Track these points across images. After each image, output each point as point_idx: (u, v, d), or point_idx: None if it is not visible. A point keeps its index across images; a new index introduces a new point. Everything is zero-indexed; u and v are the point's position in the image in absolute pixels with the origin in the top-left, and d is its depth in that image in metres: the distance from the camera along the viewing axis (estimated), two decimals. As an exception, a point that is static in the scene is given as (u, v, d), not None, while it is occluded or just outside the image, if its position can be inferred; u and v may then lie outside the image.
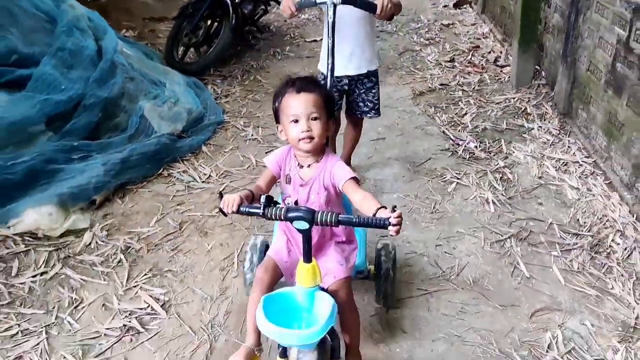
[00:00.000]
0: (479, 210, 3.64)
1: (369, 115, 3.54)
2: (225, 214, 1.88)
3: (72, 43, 3.95)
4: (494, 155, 4.29)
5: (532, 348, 2.63)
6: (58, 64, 3.79)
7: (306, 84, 2.09)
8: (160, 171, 4.03)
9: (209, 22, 5.90)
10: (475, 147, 4.39)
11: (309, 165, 2.15)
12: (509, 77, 5.59)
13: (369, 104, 3.50)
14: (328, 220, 1.78)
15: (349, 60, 3.26)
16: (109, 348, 2.67)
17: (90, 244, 3.34)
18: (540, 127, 4.66)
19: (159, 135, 4.00)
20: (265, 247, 2.66)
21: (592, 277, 3.06)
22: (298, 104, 2.05)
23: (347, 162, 3.84)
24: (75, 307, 2.91)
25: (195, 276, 3.10)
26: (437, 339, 2.69)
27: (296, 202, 2.15)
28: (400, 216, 1.75)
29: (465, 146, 4.40)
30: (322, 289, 2.02)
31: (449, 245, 3.33)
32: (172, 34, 5.70)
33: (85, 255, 3.25)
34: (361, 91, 3.45)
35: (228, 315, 2.85)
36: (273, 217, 1.83)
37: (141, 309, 2.88)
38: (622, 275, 3.07)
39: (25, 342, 2.69)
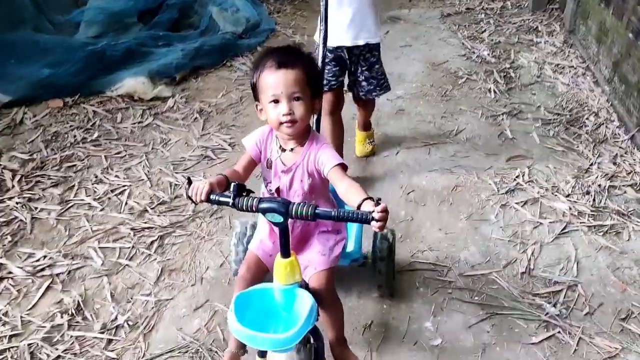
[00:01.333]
0: (481, 96, 4.49)
1: (374, 94, 3.18)
2: (194, 202, 1.71)
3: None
4: (502, 61, 5.09)
5: (503, 177, 3.51)
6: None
7: (287, 56, 1.82)
8: (224, 62, 5.00)
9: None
10: (488, 54, 5.19)
11: (292, 149, 1.93)
12: (528, 3, 6.30)
13: (373, 82, 3.13)
14: (304, 214, 1.60)
15: (346, 29, 2.87)
16: (191, 167, 3.68)
17: (173, 106, 4.35)
18: (547, 41, 5.41)
19: (224, 33, 4.95)
20: (253, 229, 2.44)
21: (563, 140, 3.90)
22: (278, 82, 1.78)
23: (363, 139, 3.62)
24: (165, 143, 3.92)
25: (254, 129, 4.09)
26: (432, 170, 3.61)
27: (278, 190, 1.97)
28: (385, 210, 1.55)
29: (479, 54, 5.21)
30: (304, 283, 1.87)
31: (452, 117, 4.21)
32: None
33: (169, 114, 4.26)
34: (363, 68, 3.08)
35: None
36: (244, 208, 1.64)
37: (213, 146, 3.88)
38: (587, 139, 3.89)
39: (131, 160, 3.72)
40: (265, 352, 1.84)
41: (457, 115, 4.22)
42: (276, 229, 1.75)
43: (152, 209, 3.26)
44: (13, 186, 3.41)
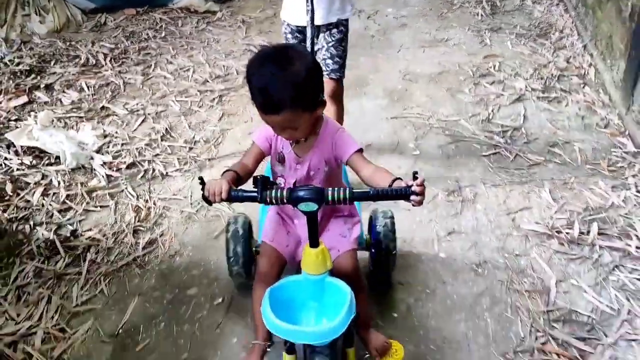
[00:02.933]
0: (470, 18, 5.53)
1: (333, 75, 2.81)
2: (210, 203, 1.60)
3: None
4: (491, -5, 6.11)
5: (478, 67, 4.58)
6: None
7: (272, 99, 1.62)
8: None
9: None
10: (480, -10, 6.21)
11: (305, 139, 1.83)
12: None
13: (337, 60, 2.79)
14: (341, 198, 1.54)
15: (325, 9, 2.63)
16: (240, 56, 4.78)
17: (221, 17, 5.45)
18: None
19: None
20: (249, 227, 2.35)
21: (530, 47, 4.95)
22: (270, 121, 1.70)
23: None
24: (217, 41, 5.02)
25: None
26: (424, 62, 4.68)
27: (294, 184, 1.87)
28: (423, 184, 1.49)
29: (472, -11, 6.23)
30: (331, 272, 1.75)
31: (444, 30, 5.26)
32: None
33: (219, 22, 5.37)
34: (329, 44, 2.76)
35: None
36: (274, 201, 1.56)
37: (255, 44, 4.99)
38: (550, 47, 4.94)
39: (192, 51, 4.83)
40: (294, 348, 1.76)
41: (449, 29, 5.28)
42: (297, 217, 1.84)
43: (211, 80, 4.38)
44: (106, 63, 4.55)
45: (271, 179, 1.83)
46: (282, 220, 2.05)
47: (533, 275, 2.61)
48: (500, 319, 2.42)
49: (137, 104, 4.04)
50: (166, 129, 3.78)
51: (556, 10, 5.59)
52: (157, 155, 3.53)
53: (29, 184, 3.21)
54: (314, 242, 1.65)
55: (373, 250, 2.34)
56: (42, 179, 3.27)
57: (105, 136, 3.64)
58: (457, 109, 4.00)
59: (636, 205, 3.00)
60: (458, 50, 4.84)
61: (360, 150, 1.80)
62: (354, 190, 1.55)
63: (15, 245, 2.78)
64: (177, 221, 3.00)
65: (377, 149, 3.57)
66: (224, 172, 1.72)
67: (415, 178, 1.49)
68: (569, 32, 5.13)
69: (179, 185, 3.26)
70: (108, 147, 3.58)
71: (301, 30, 2.68)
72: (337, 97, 2.92)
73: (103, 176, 3.28)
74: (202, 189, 1.59)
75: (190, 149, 3.61)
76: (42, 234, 2.86)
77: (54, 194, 3.18)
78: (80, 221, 3.01)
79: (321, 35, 2.74)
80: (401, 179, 1.59)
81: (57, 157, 3.35)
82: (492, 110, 3.98)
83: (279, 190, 1.56)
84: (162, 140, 3.67)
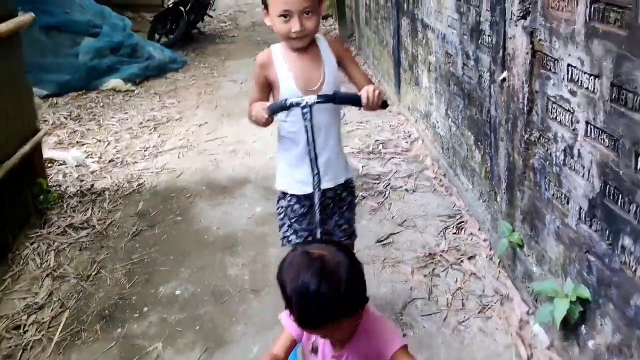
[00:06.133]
0: None
1: (348, 241, 2.63)
2: None
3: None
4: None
5: None
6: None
7: (312, 321, 1.54)
8: (160, 75, 8.61)
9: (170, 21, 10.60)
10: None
11: None
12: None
13: (352, 223, 2.64)
14: None
15: (324, 171, 2.35)
16: (159, 109, 7.18)
17: (139, 93, 7.86)
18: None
19: (156, 59, 8.60)
20: None
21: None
22: (308, 331, 1.65)
23: None
24: (140, 105, 7.41)
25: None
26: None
27: None
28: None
29: None
30: None
31: None
32: (151, 28, 10.38)
33: (137, 96, 7.77)
34: (342, 209, 2.57)
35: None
36: None
37: (166, 104, 7.43)
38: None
39: (127, 111, 7.18)
40: None
41: None
42: None
43: (144, 122, 6.71)
44: (68, 121, 6.76)
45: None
46: None
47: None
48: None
49: (100, 138, 6.25)
50: (125, 146, 6.01)
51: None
52: (124, 155, 5.74)
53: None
54: None
55: None
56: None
57: (87, 153, 5.80)
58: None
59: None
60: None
61: (405, 347, 1.63)
62: None
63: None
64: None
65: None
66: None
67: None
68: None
69: (143, 165, 5.48)
70: (90, 156, 5.74)
71: (308, 197, 2.41)
72: None
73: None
74: None
75: (146, 149, 5.85)
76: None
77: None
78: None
79: (329, 201, 2.49)
80: None
81: (64, 162, 5.46)
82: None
83: None
84: (125, 148, 5.90)
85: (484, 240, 3.69)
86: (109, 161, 5.52)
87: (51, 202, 4.52)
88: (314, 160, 2.23)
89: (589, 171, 2.31)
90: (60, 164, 5.37)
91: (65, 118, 6.78)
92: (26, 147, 4.24)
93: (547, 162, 2.70)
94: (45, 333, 3.17)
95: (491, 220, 3.57)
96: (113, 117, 6.83)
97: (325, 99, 2.22)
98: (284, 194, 2.51)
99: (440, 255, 3.59)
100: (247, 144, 5.72)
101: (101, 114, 7.02)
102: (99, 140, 6.10)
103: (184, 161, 5.42)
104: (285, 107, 2.23)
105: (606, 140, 2.17)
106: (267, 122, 2.27)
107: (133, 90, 7.88)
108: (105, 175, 5.20)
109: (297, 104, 2.19)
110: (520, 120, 2.93)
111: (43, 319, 3.29)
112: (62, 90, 7.42)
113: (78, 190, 4.89)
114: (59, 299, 3.45)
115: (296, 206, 2.49)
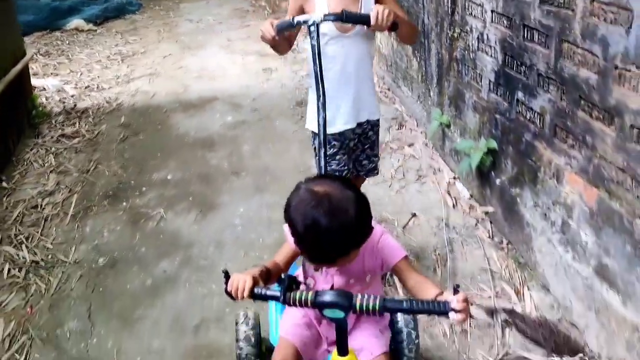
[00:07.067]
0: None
1: (371, 175, 2.80)
2: (233, 299, 1.48)
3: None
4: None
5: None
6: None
7: (324, 258, 1.55)
8: (119, 16, 9.02)
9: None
10: None
11: None
12: None
13: (374, 159, 2.73)
14: (370, 308, 1.37)
15: (349, 111, 2.46)
16: (123, 44, 7.67)
17: (101, 33, 8.27)
18: None
19: (114, 1, 8.99)
20: (258, 325, 2.06)
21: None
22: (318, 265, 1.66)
23: None
24: (105, 42, 7.86)
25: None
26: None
27: (332, 288, 1.70)
28: (466, 300, 1.33)
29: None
30: None
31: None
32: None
33: (100, 35, 8.20)
34: (366, 146, 2.67)
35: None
36: (297, 303, 1.42)
37: (128, 40, 7.91)
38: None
39: (93, 47, 7.64)
40: None
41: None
42: (319, 322, 1.73)
43: (112, 55, 7.21)
44: (43, 57, 7.18)
45: (301, 276, 1.78)
46: (302, 315, 1.84)
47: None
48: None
49: (73, 69, 6.72)
50: (98, 75, 6.52)
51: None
52: (99, 82, 6.28)
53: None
54: (343, 350, 1.51)
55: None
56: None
57: (64, 81, 6.30)
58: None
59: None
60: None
61: (407, 257, 1.68)
62: (387, 300, 1.37)
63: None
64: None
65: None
66: (255, 267, 1.61)
67: (456, 292, 1.34)
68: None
69: (118, 90, 6.03)
70: (67, 84, 6.25)
71: (337, 138, 2.50)
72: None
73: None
74: (226, 283, 1.48)
75: (118, 77, 6.40)
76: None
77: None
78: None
79: (355, 137, 2.59)
80: (443, 292, 1.46)
81: (44, 88, 5.95)
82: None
83: (304, 293, 1.41)
84: (98, 77, 6.42)
85: (421, 132, 4.50)
86: (86, 87, 6.04)
87: (41, 118, 5.06)
88: (319, 81, 2.18)
89: (495, 49, 3.10)
90: (41, 90, 5.84)
91: (35, 54, 7.15)
92: (18, 66, 4.75)
93: (466, 52, 3.49)
94: (61, 209, 3.79)
95: (426, 117, 4.37)
96: (81, 53, 7.28)
97: (333, 17, 2.17)
98: (314, 133, 2.50)
99: (386, 144, 4.37)
100: (210, 70, 6.33)
101: (69, 50, 7.44)
102: (72, 71, 6.58)
103: (155, 86, 6.00)
104: (292, 25, 2.22)
105: (505, 21, 2.96)
106: (273, 40, 2.27)
107: (95, 30, 8.29)
108: (84, 98, 5.73)
109: (305, 22, 2.18)
110: (446, 20, 3.71)
111: (56, 200, 3.90)
112: (27, 29, 7.73)
113: (62, 110, 5.43)
114: (66, 187, 4.07)
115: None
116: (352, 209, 1.47)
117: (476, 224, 3.35)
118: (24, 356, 2.63)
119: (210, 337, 2.64)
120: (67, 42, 7.78)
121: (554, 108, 2.59)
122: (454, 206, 3.57)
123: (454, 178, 3.84)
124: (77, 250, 3.34)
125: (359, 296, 1.38)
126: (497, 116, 3.18)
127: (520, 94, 2.89)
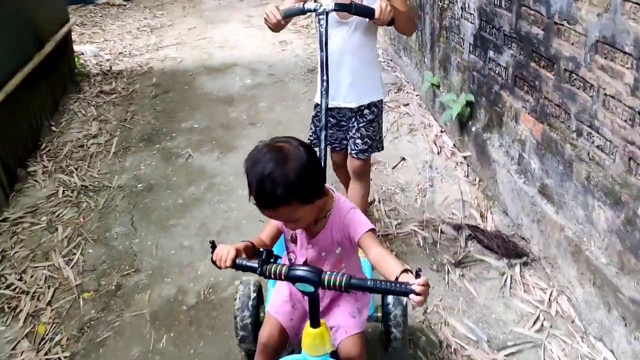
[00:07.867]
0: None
1: (360, 156, 2.74)
2: (219, 267, 1.62)
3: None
4: None
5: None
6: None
7: (266, 200, 1.58)
8: None
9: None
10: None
11: (315, 222, 1.77)
12: None
13: (367, 141, 2.72)
14: (337, 284, 1.46)
15: (348, 90, 2.61)
16: (152, 18, 8.33)
17: (130, 7, 8.93)
18: None
19: None
20: (259, 291, 2.26)
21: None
22: (267, 215, 1.66)
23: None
24: (134, 15, 8.52)
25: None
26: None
27: (305, 262, 1.81)
28: (426, 284, 1.41)
29: None
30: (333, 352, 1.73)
31: None
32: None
33: (129, 9, 8.86)
34: (360, 125, 2.69)
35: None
36: (272, 275, 1.53)
37: (155, 13, 8.57)
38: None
39: (124, 20, 8.31)
40: None
41: None
42: (303, 297, 1.77)
43: (142, 27, 7.87)
44: (87, 25, 7.86)
45: (285, 251, 1.89)
46: (289, 293, 1.95)
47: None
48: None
49: (106, 38, 7.39)
50: (129, 44, 7.18)
51: None
52: (131, 49, 6.94)
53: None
54: (315, 322, 1.62)
55: (388, 333, 2.23)
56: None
57: (99, 48, 6.98)
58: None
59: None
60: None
61: (372, 231, 1.71)
62: (352, 279, 1.46)
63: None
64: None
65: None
66: (242, 242, 1.70)
67: (418, 276, 1.41)
68: None
69: (149, 56, 6.69)
70: (102, 50, 6.92)
71: (333, 116, 2.69)
72: (361, 174, 2.84)
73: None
74: (212, 252, 1.63)
75: (148, 45, 7.06)
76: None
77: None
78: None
79: (352, 115, 2.69)
80: (410, 271, 1.50)
81: (82, 53, 6.63)
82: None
83: (279, 266, 1.52)
84: (129, 45, 7.09)
85: (417, 95, 5.11)
86: (119, 53, 6.70)
87: (82, 77, 5.74)
88: (324, 66, 2.26)
89: (474, 16, 3.70)
90: (80, 54, 6.52)
91: (78, 26, 7.84)
92: (64, 29, 5.43)
93: (452, 20, 4.09)
94: (104, 148, 4.46)
95: (421, 81, 4.97)
96: (112, 24, 7.94)
97: (342, 7, 2.26)
98: (316, 104, 2.67)
99: (384, 104, 4.98)
100: (231, 41, 6.96)
101: (101, 22, 8.10)
102: (106, 40, 7.25)
103: (182, 53, 6.64)
104: (302, 11, 2.28)
105: (482, -11, 3.56)
106: (278, 24, 2.34)
107: (125, 5, 8.95)
108: (119, 63, 6.39)
109: (314, 10, 2.24)
110: (438, -7, 4.31)
111: (99, 141, 4.57)
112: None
113: (99, 71, 6.10)
114: (107, 132, 4.74)
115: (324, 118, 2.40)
116: (297, 162, 1.56)
117: (455, 167, 3.95)
118: (80, 251, 3.27)
119: (231, 238, 3.28)
120: (100, 14, 8.43)
121: (514, 61, 3.19)
122: (438, 153, 4.18)
123: (441, 131, 4.45)
124: (119, 179, 3.99)
125: (328, 274, 1.48)
126: (474, 73, 3.78)
127: (491, 53, 3.49)
